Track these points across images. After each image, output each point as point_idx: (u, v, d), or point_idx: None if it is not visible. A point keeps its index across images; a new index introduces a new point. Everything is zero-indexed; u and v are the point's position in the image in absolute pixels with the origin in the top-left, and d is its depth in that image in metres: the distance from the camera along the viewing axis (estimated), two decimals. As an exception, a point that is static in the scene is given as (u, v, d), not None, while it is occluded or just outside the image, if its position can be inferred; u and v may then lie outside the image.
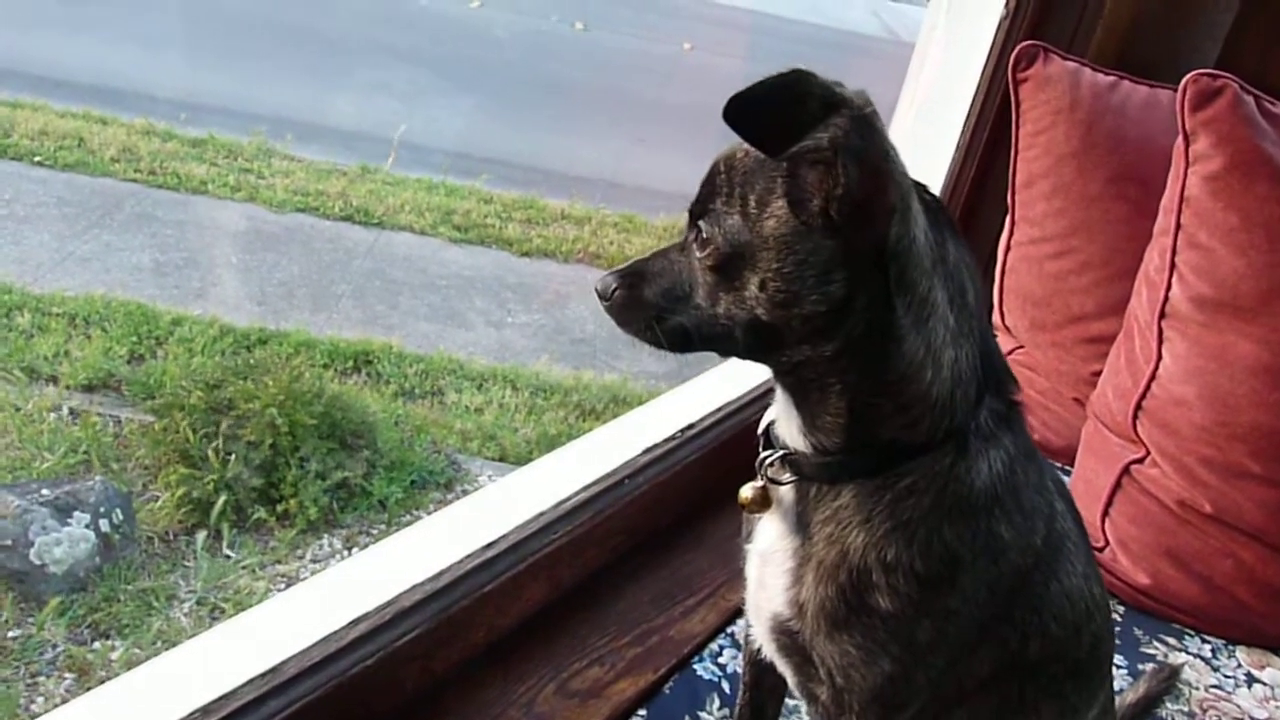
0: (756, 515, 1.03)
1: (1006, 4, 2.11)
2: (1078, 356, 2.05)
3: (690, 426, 1.79)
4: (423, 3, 10.11)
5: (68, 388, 4.42)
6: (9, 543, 3.47)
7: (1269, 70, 1.82)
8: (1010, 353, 2.17)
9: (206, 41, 8.23)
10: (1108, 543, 1.79)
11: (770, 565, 1.00)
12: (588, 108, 8.65)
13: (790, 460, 0.96)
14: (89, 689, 1.22)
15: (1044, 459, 1.01)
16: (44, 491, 3.65)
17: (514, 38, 9.67)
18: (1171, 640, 1.72)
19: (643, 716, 1.40)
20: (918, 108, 2.26)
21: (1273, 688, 1.65)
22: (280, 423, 4.10)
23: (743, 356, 0.94)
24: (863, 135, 0.79)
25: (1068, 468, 1.95)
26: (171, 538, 3.88)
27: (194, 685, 1.16)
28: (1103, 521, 1.80)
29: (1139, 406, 1.74)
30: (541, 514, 1.53)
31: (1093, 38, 2.13)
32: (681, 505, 1.76)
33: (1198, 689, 1.62)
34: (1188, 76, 1.64)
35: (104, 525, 3.63)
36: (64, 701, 3.13)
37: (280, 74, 7.99)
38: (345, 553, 3.99)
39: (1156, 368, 1.71)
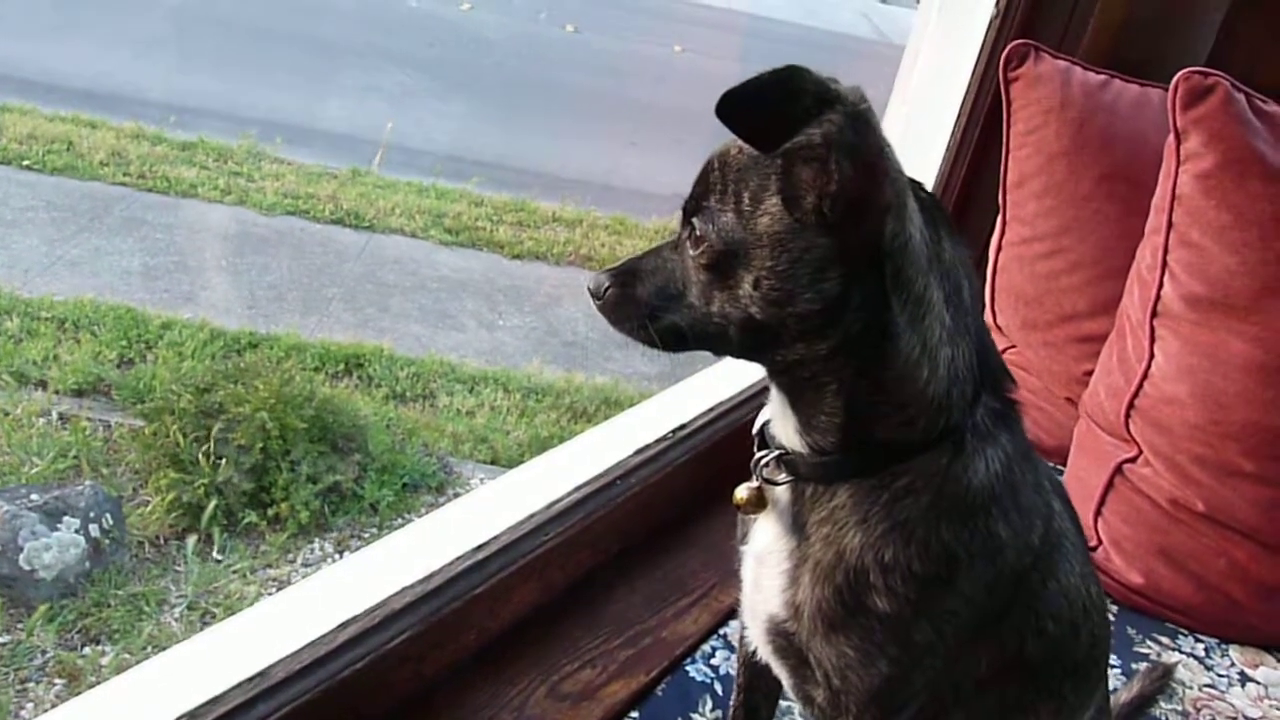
0: (752, 516, 1.02)
1: (997, 3, 2.11)
2: (1070, 356, 2.05)
3: (682, 427, 1.78)
4: (413, 4, 10.10)
5: (57, 392, 4.41)
6: (-2, 548, 3.45)
7: (1259, 69, 1.82)
8: (1002, 352, 2.16)
9: (196, 45, 8.22)
10: (1100, 542, 1.79)
11: (766, 567, 0.99)
12: (579, 110, 8.65)
13: (786, 461, 0.95)
14: (79, 694, 1.21)
15: (1040, 458, 1.01)
16: (33, 496, 3.63)
17: (505, 40, 9.67)
18: (1165, 639, 1.72)
19: (635, 719, 1.40)
20: (909, 107, 2.26)
21: (1266, 686, 1.65)
22: (271, 426, 4.09)
23: (737, 355, 0.93)
24: (857, 131, 0.78)
25: (1060, 467, 1.95)
26: (162, 542, 3.87)
27: (183, 689, 1.15)
28: (1095, 520, 1.80)
29: (1131, 405, 1.74)
30: (532, 515, 1.52)
31: (1083, 36, 2.13)
32: (673, 506, 1.75)
33: (1191, 688, 1.62)
34: (1179, 74, 1.64)
35: (94, 530, 3.61)
36: (54, 707, 3.11)
37: (270, 77, 7.97)
38: (336, 556, 3.98)
39: (1149, 366, 1.71)
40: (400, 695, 1.34)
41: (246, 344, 4.94)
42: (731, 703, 1.30)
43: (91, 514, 3.63)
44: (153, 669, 1.22)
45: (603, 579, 1.63)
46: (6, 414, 4.22)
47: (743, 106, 0.79)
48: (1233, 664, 1.69)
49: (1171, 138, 1.67)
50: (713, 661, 1.50)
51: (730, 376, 1.90)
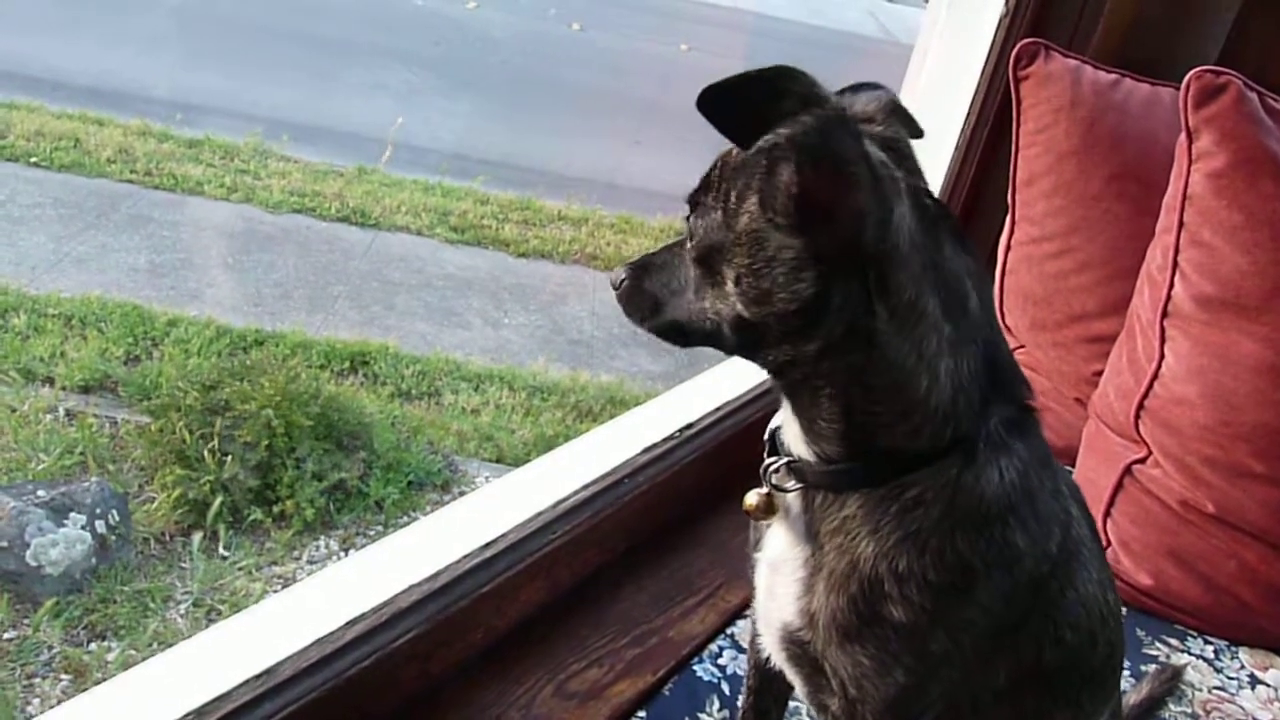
0: (764, 523, 1.02)
1: (1007, 2, 2.10)
2: (1079, 356, 2.04)
3: (689, 426, 1.78)
4: (419, 2, 10.11)
5: (64, 389, 4.42)
6: (4, 544, 3.46)
7: (1271, 68, 1.81)
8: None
9: (203, 42, 8.24)
10: (1109, 543, 1.78)
11: (780, 574, 0.98)
12: (585, 108, 8.66)
13: (795, 468, 0.95)
14: (85, 690, 1.21)
15: (1059, 464, 0.99)
16: (40, 493, 3.64)
17: (511, 38, 9.68)
18: (1174, 641, 1.71)
19: (642, 718, 1.39)
20: (918, 106, 2.25)
21: (1276, 689, 1.64)
22: (276, 424, 4.09)
23: (733, 353, 0.94)
24: (824, 135, 0.77)
25: (1069, 468, 1.94)
26: (167, 539, 3.87)
27: (189, 686, 1.15)
28: (1104, 522, 1.79)
29: (1141, 406, 1.73)
30: (540, 514, 1.51)
31: (1094, 35, 2.12)
32: (680, 505, 1.75)
33: (1200, 690, 1.61)
34: (1191, 73, 1.63)
35: (100, 526, 3.62)
36: (60, 703, 3.12)
37: (276, 75, 7.99)
38: (342, 554, 3.99)
39: (1159, 367, 1.70)
40: (407, 694, 1.34)
41: (252, 341, 4.95)
42: (740, 704, 1.30)
43: (98, 510, 3.64)
44: (159, 666, 1.22)
45: (610, 578, 1.63)
46: (14, 410, 4.23)
47: (720, 99, 0.79)
48: (1243, 666, 1.68)
49: (1183, 137, 1.66)
50: (720, 661, 1.50)
51: (737, 376, 1.89)
